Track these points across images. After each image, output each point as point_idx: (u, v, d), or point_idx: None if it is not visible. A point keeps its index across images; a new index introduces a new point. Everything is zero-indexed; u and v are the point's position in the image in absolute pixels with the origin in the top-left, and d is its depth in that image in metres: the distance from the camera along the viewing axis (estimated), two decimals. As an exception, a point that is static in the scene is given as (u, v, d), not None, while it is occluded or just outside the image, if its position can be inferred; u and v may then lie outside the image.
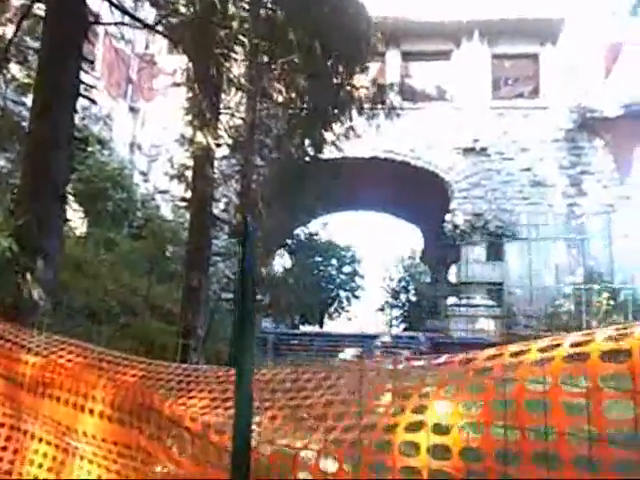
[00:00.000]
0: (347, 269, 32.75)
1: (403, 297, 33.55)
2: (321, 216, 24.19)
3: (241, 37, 8.32)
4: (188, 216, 10.66)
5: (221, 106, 10.20)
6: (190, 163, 10.46)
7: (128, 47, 18.04)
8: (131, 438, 2.29)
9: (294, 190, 11.25)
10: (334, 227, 36.56)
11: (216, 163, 10.48)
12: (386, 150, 18.10)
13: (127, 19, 9.32)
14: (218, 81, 9.11)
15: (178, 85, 11.92)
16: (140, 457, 2.24)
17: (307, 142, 10.66)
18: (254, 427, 1.59)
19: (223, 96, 10.20)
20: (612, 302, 14.36)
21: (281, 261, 24.83)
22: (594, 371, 1.17)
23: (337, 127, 10.61)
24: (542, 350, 1.30)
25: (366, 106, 10.58)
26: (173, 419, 2.10)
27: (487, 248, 17.63)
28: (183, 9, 8.45)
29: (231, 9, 8.68)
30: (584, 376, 1.17)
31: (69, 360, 2.95)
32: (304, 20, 7.76)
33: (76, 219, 13.40)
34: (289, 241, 24.68)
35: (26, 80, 10.32)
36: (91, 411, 2.49)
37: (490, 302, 17.11)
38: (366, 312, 35.94)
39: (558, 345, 1.27)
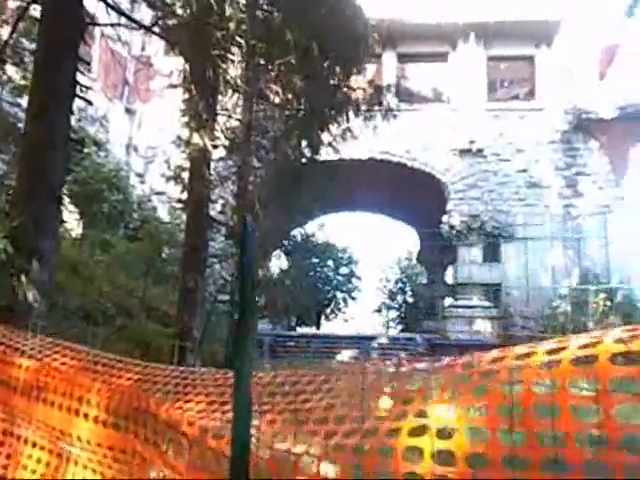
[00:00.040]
0: (344, 270, 32.74)
1: (400, 298, 33.55)
2: (318, 217, 24.17)
3: (238, 38, 8.28)
4: (184, 218, 10.64)
5: (218, 107, 10.18)
6: (187, 164, 10.43)
7: (124, 49, 18.00)
8: (126, 443, 2.25)
9: (291, 191, 11.24)
10: (331, 228, 36.56)
11: (213, 164, 10.46)
12: (382, 151, 18.10)
13: (123, 20, 9.28)
14: (215, 82, 9.08)
15: (175, 87, 11.88)
16: (136, 462, 2.21)
17: (304, 143, 10.64)
18: (253, 431, 1.56)
19: (220, 97, 10.18)
20: (609, 303, 14.37)
21: (278, 262, 24.81)
22: (604, 374, 1.15)
23: (334, 128, 10.60)
24: (549, 352, 1.27)
25: (363, 107, 10.56)
26: (170, 423, 2.06)
27: (484, 249, 17.65)
28: (180, 10, 8.42)
29: (228, 10, 8.65)
30: (593, 379, 1.14)
31: (63, 363, 2.90)
32: (301, 21, 7.74)
33: (72, 220, 13.35)
34: (286, 242, 24.66)
35: (22, 82, 10.29)
36: (86, 415, 2.45)
37: (487, 303, 17.11)
38: (363, 313, 35.97)
39: (565, 347, 1.24)
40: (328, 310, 33.07)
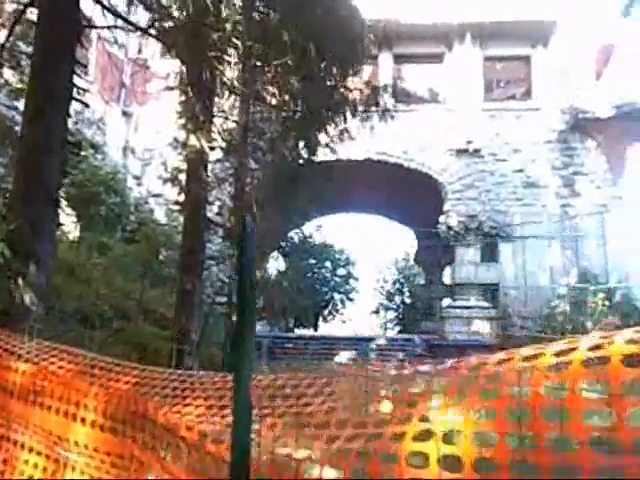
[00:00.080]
0: (341, 271, 32.72)
1: (397, 299, 33.53)
2: (315, 218, 24.16)
3: (234, 40, 8.26)
4: (182, 220, 10.60)
5: (214, 109, 10.16)
6: (184, 166, 10.40)
7: (121, 51, 17.98)
8: (124, 448, 2.22)
9: (288, 193, 11.22)
10: (328, 229, 36.51)
11: (210, 166, 10.43)
12: (379, 152, 18.09)
13: (120, 22, 9.26)
14: (211, 84, 9.06)
15: (171, 89, 11.88)
16: (134, 468, 2.18)
17: (301, 144, 10.62)
18: (253, 436, 1.53)
19: (216, 99, 10.16)
20: (607, 302, 14.36)
21: (275, 264, 24.80)
22: (615, 376, 1.12)
23: (331, 129, 10.58)
24: (557, 354, 1.24)
25: (360, 108, 10.54)
26: (168, 428, 2.03)
27: (481, 249, 17.63)
28: (176, 13, 8.40)
29: (224, 12, 8.63)
30: (604, 381, 1.11)
31: (60, 367, 2.87)
32: (297, 22, 7.72)
33: (69, 223, 13.31)
34: (283, 244, 24.65)
35: (19, 85, 10.27)
36: (83, 420, 2.42)
37: (485, 303, 17.09)
38: (360, 315, 35.93)
39: (574, 349, 1.21)
40: (326, 311, 33.03)
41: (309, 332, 28.17)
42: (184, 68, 9.65)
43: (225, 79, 9.42)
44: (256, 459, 1.49)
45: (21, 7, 8.33)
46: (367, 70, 17.21)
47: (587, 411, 1.13)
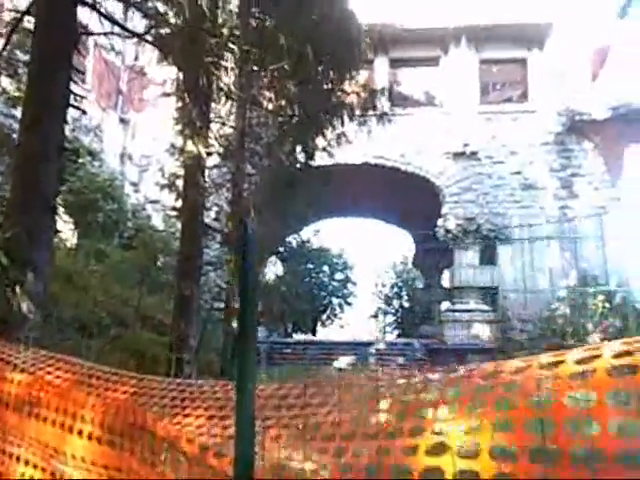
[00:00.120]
0: (339, 276, 32.65)
1: (396, 303, 33.43)
2: (312, 223, 24.13)
3: (231, 45, 8.24)
4: (179, 225, 10.55)
5: (211, 115, 10.12)
6: (181, 172, 10.35)
7: (118, 58, 17.96)
8: (122, 461, 2.16)
9: (285, 197, 11.18)
10: (326, 234, 36.47)
11: (207, 172, 10.38)
12: (376, 156, 18.07)
13: (117, 29, 9.24)
14: (208, 90, 9.03)
15: (168, 95, 11.82)
16: (133, 481, 2.11)
17: (298, 149, 10.59)
18: (256, 449, 1.46)
19: (213, 105, 10.13)
20: (608, 305, 14.32)
21: (273, 269, 24.72)
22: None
23: (328, 133, 10.56)
24: (579, 362, 1.18)
25: (357, 112, 10.52)
26: (167, 440, 1.97)
27: (480, 252, 17.58)
28: (173, 19, 8.37)
29: (221, 17, 8.62)
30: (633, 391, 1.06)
31: (57, 377, 2.81)
32: (294, 26, 7.70)
33: (66, 230, 13.25)
34: (281, 248, 24.59)
35: (16, 93, 10.27)
36: (80, 432, 2.36)
37: (484, 307, 17.04)
38: (359, 319, 35.84)
39: (598, 356, 1.15)
40: (324, 316, 32.94)
41: (308, 337, 28.06)
42: (181, 74, 9.62)
43: (222, 84, 9.38)
44: (260, 473, 1.43)
45: (18, 15, 8.32)
46: (363, 74, 17.16)
47: (617, 423, 1.08)
